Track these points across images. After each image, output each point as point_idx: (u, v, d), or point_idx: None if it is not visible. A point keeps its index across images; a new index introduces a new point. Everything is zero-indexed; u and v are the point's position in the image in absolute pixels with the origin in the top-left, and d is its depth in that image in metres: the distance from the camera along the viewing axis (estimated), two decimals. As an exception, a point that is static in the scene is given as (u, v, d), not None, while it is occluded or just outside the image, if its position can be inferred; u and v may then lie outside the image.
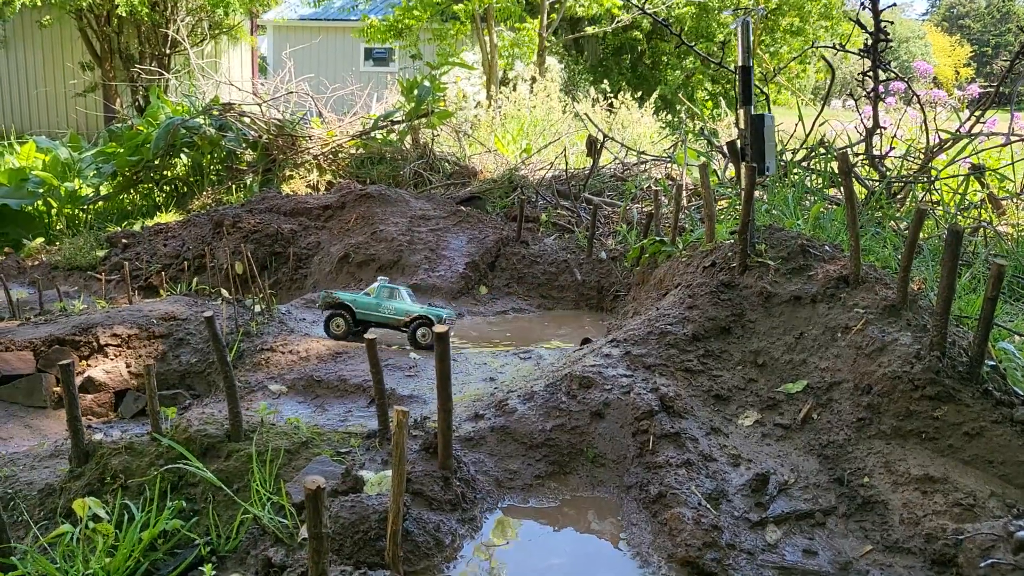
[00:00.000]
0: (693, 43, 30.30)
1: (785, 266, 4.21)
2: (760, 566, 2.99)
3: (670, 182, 8.03)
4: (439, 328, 3.03)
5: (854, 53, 7.80)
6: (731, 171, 8.04)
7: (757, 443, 3.63)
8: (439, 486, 3.14)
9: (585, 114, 12.81)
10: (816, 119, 7.34)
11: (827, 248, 4.36)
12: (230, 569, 3.07)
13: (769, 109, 8.86)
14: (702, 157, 7.17)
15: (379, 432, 3.50)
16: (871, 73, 7.35)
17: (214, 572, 3.03)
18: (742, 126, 4.27)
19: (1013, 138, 7.79)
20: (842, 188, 3.94)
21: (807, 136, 7.22)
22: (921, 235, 6.20)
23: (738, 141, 4.41)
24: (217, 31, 22.94)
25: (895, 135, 8.66)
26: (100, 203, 12.49)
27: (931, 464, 3.35)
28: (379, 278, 6.10)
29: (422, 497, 3.09)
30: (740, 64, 4.25)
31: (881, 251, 4.98)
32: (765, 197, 6.32)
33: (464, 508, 3.17)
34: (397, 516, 2.69)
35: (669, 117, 19.89)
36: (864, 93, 7.88)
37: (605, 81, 19.67)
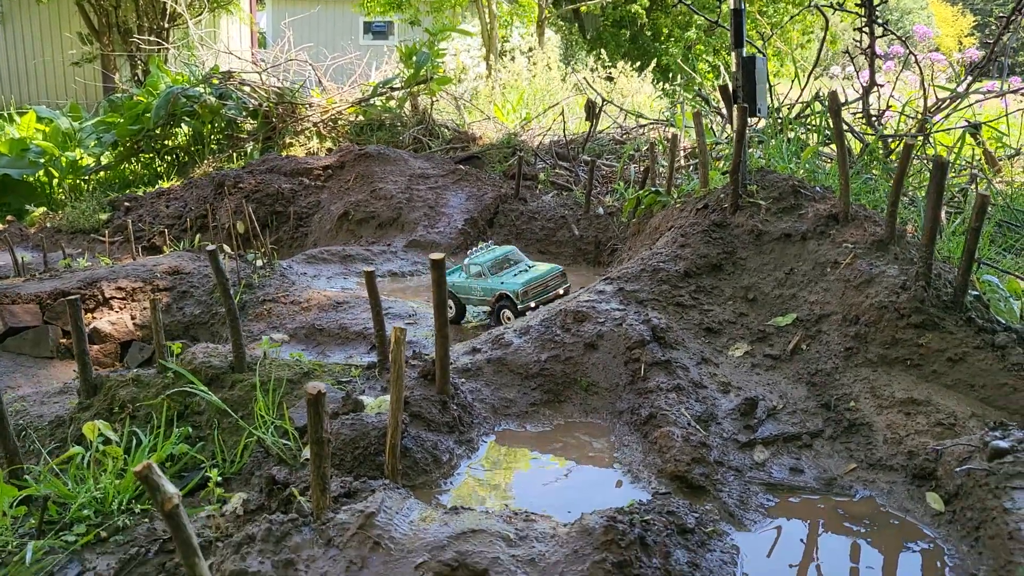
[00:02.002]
0: (692, 18, 30.20)
1: (776, 205, 4.29)
2: (747, 482, 3.10)
3: (667, 140, 8.05)
4: (434, 255, 3.12)
5: (850, 12, 7.82)
6: (729, 130, 8.09)
7: (747, 372, 3.72)
8: (437, 409, 3.24)
9: (584, 78, 12.81)
10: (811, 71, 7.38)
11: (818, 189, 4.43)
12: (235, 489, 3.18)
13: (768, 76, 8.90)
14: (699, 110, 7.21)
15: (379, 363, 3.60)
16: (867, 29, 7.38)
17: (219, 489, 3.15)
18: (734, 69, 4.34)
19: (1008, 93, 7.82)
20: (832, 131, 4.00)
21: (802, 90, 7.26)
22: (914, 185, 6.27)
23: (731, 85, 4.47)
24: (215, 5, 22.87)
25: (891, 96, 8.69)
26: (102, 173, 12.54)
27: (915, 388, 3.45)
28: (478, 248, 5.51)
29: (420, 419, 3.19)
30: (732, 7, 4.31)
31: (872, 196, 5.05)
32: (760, 152, 6.38)
33: (461, 431, 3.28)
34: (396, 430, 2.79)
35: (668, 87, 19.85)
36: (861, 51, 7.91)
37: (603, 52, 19.62)
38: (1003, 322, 3.59)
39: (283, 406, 3.35)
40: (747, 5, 25.22)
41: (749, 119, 4.36)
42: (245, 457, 3.27)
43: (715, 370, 3.69)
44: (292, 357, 3.74)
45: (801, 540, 2.86)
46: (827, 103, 3.92)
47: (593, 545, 2.30)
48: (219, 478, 2.95)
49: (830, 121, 6.91)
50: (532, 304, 4.85)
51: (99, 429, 3.12)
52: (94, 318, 5.75)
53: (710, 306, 4.04)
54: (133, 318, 5.73)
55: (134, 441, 3.27)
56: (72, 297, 3.48)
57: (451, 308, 5.21)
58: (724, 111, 8.40)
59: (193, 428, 3.43)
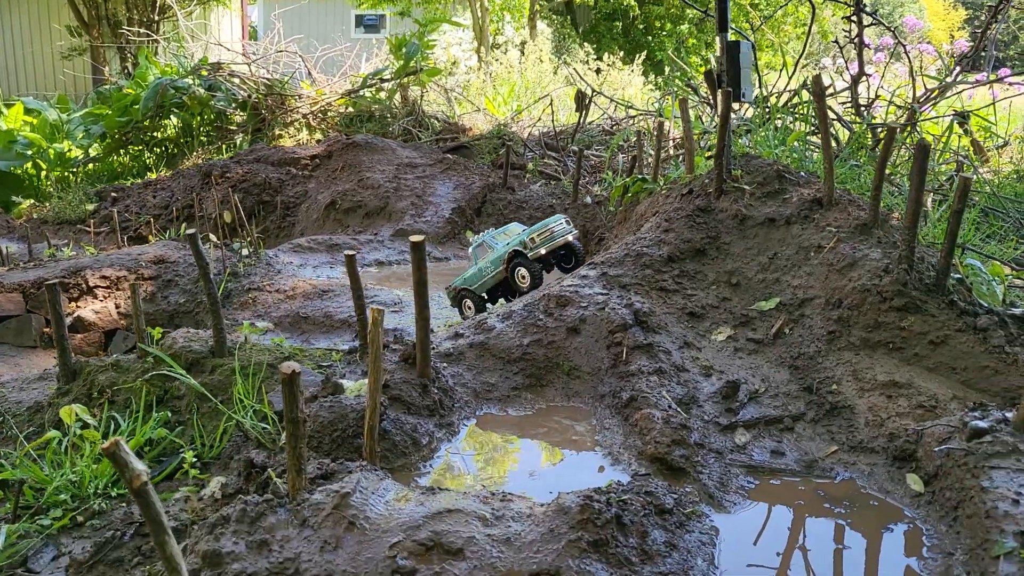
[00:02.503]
0: (684, 11, 30.18)
1: (760, 190, 4.28)
2: (728, 464, 3.09)
3: (655, 127, 8.04)
4: (414, 238, 3.10)
5: (838, 1, 7.81)
6: (717, 120, 8.07)
7: (729, 356, 3.72)
8: (417, 392, 3.23)
9: (574, 69, 12.79)
10: (799, 59, 7.37)
11: (803, 174, 4.42)
12: (215, 473, 3.16)
13: (756, 60, 8.90)
14: (686, 96, 7.18)
15: (359, 347, 3.58)
16: (855, 18, 7.37)
17: (194, 471, 3.14)
18: (719, 53, 4.32)
19: (996, 83, 7.83)
20: (817, 113, 3.99)
21: (790, 79, 7.26)
22: (901, 173, 6.27)
23: (714, 69, 4.46)
24: (206, -2, 22.75)
25: (880, 86, 8.69)
26: (90, 165, 12.49)
27: (897, 371, 3.44)
28: (472, 237, 5.37)
29: (400, 402, 3.17)
30: (717, -10, 4.30)
31: (858, 182, 5.05)
32: (748, 141, 6.37)
33: (442, 414, 3.27)
34: (374, 412, 2.78)
35: (659, 80, 19.85)
36: (849, 40, 7.90)
37: (592, 44, 19.59)
38: (985, 305, 3.59)
39: (263, 390, 3.33)
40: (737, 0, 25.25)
41: (734, 104, 4.34)
42: (224, 441, 3.26)
43: (697, 354, 3.68)
44: (273, 342, 3.72)
45: (781, 522, 2.85)
46: (811, 87, 3.91)
47: (569, 524, 2.29)
48: (194, 459, 2.93)
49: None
50: (543, 251, 4.69)
51: (76, 414, 3.10)
52: (78, 307, 5.72)
53: (693, 290, 4.03)
54: (118, 307, 5.70)
55: (112, 426, 3.25)
56: (51, 281, 3.45)
57: (470, 308, 5.02)
58: (711, 99, 8.40)
59: (173, 413, 3.42)
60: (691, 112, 8.08)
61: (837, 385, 3.47)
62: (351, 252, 3.45)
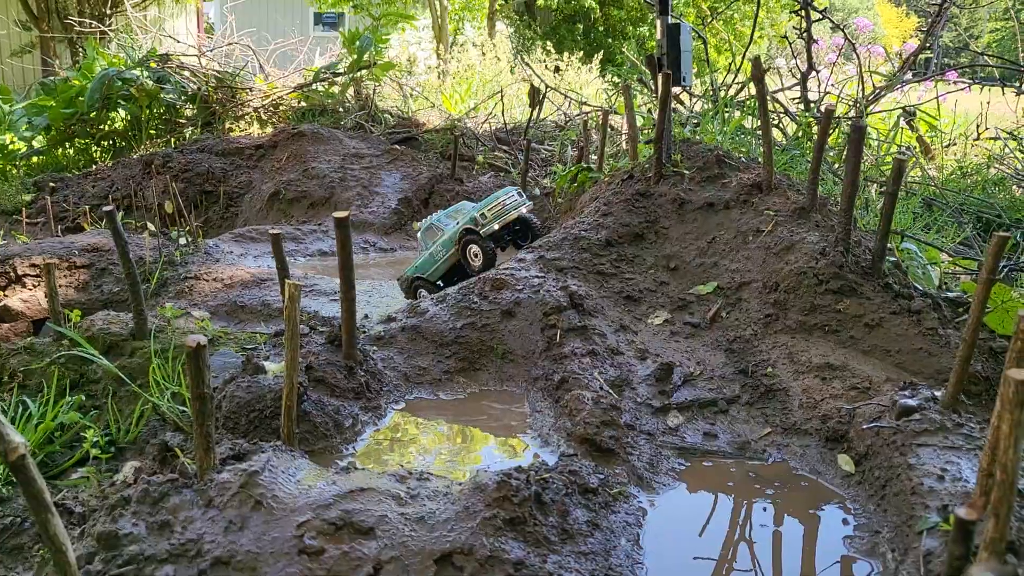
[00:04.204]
0: (646, 15, 30.32)
1: (700, 175, 4.24)
2: (659, 446, 3.03)
3: (602, 116, 8.00)
4: (338, 214, 3.00)
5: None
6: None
7: (665, 340, 3.67)
8: (342, 375, 3.13)
9: (527, 63, 12.74)
10: (747, 48, 7.39)
11: (743, 160, 4.40)
12: (130, 458, 3.03)
13: (707, 58, 8.92)
14: (629, 83, 7.16)
15: (284, 326, 3.46)
16: (803, 12, 7.41)
17: (111, 460, 3.01)
18: (659, 37, 4.28)
19: (939, 80, 7.93)
20: (756, 98, 3.96)
21: (737, 71, 7.27)
22: (841, 164, 6.30)
23: (655, 54, 4.42)
24: (160, -9, 22.34)
25: (830, 84, 8.76)
26: (34, 158, 12.14)
27: (832, 354, 3.42)
28: (419, 223, 5.10)
29: (324, 384, 3.07)
30: (657, -27, 4.26)
31: (800, 169, 5.05)
32: (697, 134, 6.36)
33: (368, 397, 3.17)
34: (292, 392, 2.67)
35: (616, 80, 19.88)
36: (798, 35, 7.94)
37: (549, 43, 19.58)
38: (920, 288, 3.58)
39: (181, 373, 3.21)
40: (694, 1, 25.42)
41: (678, 91, 4.30)
42: (141, 425, 3.13)
43: (633, 337, 3.62)
44: (197, 324, 3.59)
45: (711, 503, 2.80)
46: (751, 71, 3.88)
47: (485, 502, 2.21)
48: (95, 439, 2.80)
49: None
50: (496, 226, 4.47)
51: (-20, 396, 2.95)
52: (5, 296, 5.51)
53: (631, 274, 3.97)
54: (47, 296, 5.50)
55: (21, 409, 3.10)
56: (-40, 261, 3.30)
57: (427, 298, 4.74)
58: (646, 66, 8.38)
59: (88, 397, 3.27)
60: (644, 107, 8.07)
61: (772, 368, 3.43)
62: (275, 231, 3.34)
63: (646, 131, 7.92)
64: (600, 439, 2.89)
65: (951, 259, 4.33)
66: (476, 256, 4.47)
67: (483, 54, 16.82)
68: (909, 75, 8.52)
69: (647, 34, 31.00)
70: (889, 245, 3.63)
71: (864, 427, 2.74)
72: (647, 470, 2.86)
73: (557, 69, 16.89)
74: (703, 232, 4.08)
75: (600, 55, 18.35)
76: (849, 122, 7.22)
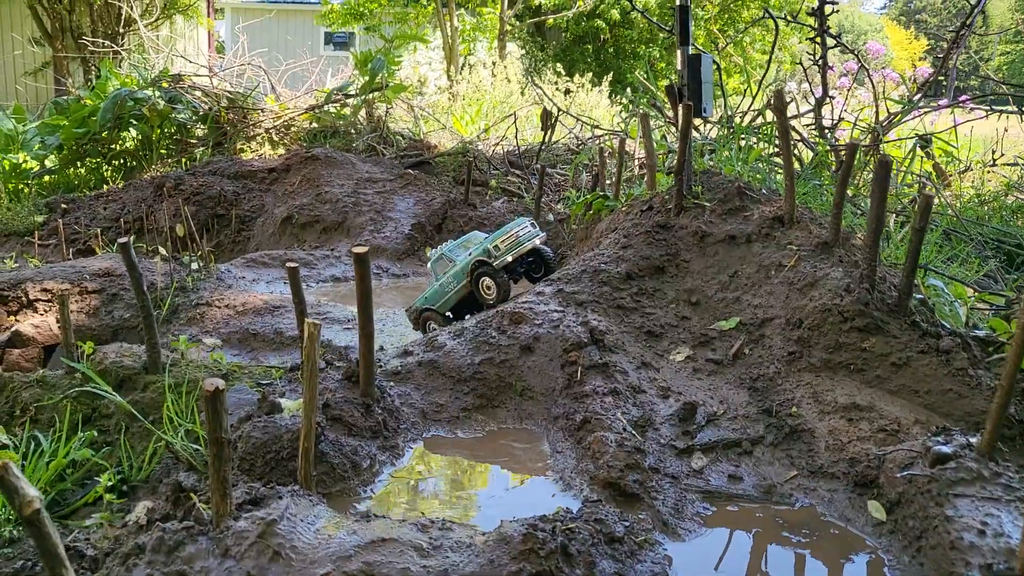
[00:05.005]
0: (656, 35, 30.42)
1: (721, 207, 4.18)
2: (684, 490, 2.96)
3: (618, 143, 7.96)
4: (357, 249, 2.95)
5: (802, 24, 7.82)
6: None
7: (688, 377, 3.60)
8: (359, 412, 3.07)
9: (540, 87, 12.73)
10: (763, 78, 7.35)
11: (764, 192, 4.34)
12: (142, 497, 2.97)
13: (721, 83, 8.88)
14: (647, 112, 7.10)
15: (301, 364, 3.40)
16: (818, 39, 7.37)
17: (123, 500, 2.94)
18: (680, 67, 4.24)
19: (958, 107, 7.87)
20: (776, 128, 3.91)
21: (753, 99, 7.22)
22: (864, 194, 6.23)
23: (675, 83, 4.38)
24: (172, 11, 22.49)
25: (844, 110, 8.72)
26: (46, 177, 12.16)
27: (858, 394, 3.34)
28: (430, 252, 4.99)
29: (341, 423, 3.01)
30: (679, 3, 4.22)
31: (820, 201, 4.98)
32: (712, 160, 6.31)
33: (386, 436, 3.10)
34: (309, 433, 2.61)
35: (625, 102, 19.88)
36: (813, 62, 7.90)
37: (559, 65, 19.62)
38: (948, 326, 3.51)
39: (195, 410, 3.15)
40: (705, 24, 25.47)
41: (696, 120, 4.26)
42: (153, 463, 3.07)
43: (655, 374, 3.55)
44: (212, 358, 3.54)
45: (738, 550, 2.72)
46: (773, 103, 3.83)
47: (511, 555, 2.14)
48: (109, 483, 2.74)
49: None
50: (510, 258, 4.35)
51: (-8, 433, 2.90)
52: (17, 321, 5.47)
53: (652, 309, 3.91)
54: (58, 321, 5.46)
55: (32, 445, 3.05)
56: (-27, 292, 3.25)
57: (435, 330, 4.34)
58: (666, 95, 8.34)
59: (100, 432, 3.22)
60: (657, 132, 8.02)
61: (797, 408, 3.36)
62: (293, 264, 3.29)
63: (660, 156, 7.88)
64: (624, 483, 2.82)
65: (976, 294, 4.26)
66: (489, 289, 4.35)
67: (493, 75, 16.83)
68: (922, 101, 8.46)
69: (657, 55, 31.08)
70: (915, 280, 3.56)
71: (898, 475, 2.66)
72: (672, 515, 2.79)
73: (567, 91, 16.91)
74: (725, 266, 4.01)
75: (610, 76, 18.36)
76: (864, 149, 7.17)
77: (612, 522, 2.46)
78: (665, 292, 3.99)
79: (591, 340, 3.52)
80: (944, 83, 8.90)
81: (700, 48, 6.47)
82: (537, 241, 4.48)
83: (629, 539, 2.48)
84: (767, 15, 7.28)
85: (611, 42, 31.58)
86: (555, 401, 3.41)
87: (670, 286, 4.02)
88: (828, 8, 6.98)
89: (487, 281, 4.35)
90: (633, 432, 3.08)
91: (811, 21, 7.56)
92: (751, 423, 3.34)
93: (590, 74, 19.15)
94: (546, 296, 3.88)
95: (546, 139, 10.05)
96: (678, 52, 4.23)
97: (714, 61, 5.58)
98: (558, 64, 25.17)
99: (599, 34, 30.97)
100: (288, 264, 3.29)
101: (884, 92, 8.48)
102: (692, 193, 4.24)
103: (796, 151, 7.32)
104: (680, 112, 4.17)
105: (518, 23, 26.89)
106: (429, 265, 4.86)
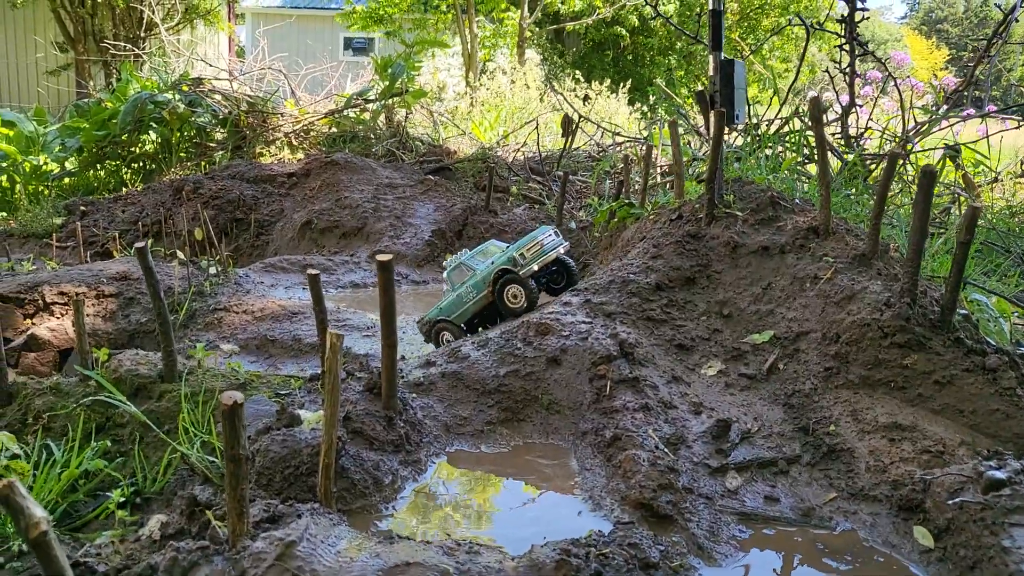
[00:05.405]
0: (674, 43, 30.30)
1: (753, 217, 4.06)
2: (719, 511, 2.83)
3: (644, 150, 7.83)
4: (381, 256, 2.85)
5: (829, 32, 7.67)
6: (704, 145, 7.90)
7: (720, 392, 3.47)
8: (381, 426, 2.96)
9: (561, 94, 12.63)
10: (791, 85, 7.21)
11: (797, 201, 4.21)
12: (156, 510, 2.87)
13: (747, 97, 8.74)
14: (675, 119, 6.95)
15: (322, 374, 3.30)
16: (847, 47, 7.22)
17: (136, 516, 2.85)
18: (711, 72, 4.12)
19: (988, 116, 7.71)
20: (813, 137, 3.78)
21: (781, 107, 7.08)
22: (893, 204, 6.08)
23: (707, 90, 4.25)
24: (193, 15, 22.57)
25: (868, 120, 8.56)
26: (66, 179, 12.16)
27: (899, 413, 3.20)
28: (446, 263, 4.82)
29: (362, 436, 2.90)
30: (711, 7, 4.10)
31: (851, 212, 4.84)
32: (739, 166, 6.18)
33: (408, 450, 2.99)
34: (330, 448, 2.50)
35: (645, 109, 19.75)
36: (840, 70, 7.76)
37: (577, 72, 19.53)
38: (993, 343, 3.36)
39: (211, 421, 3.05)
40: (726, 32, 25.31)
41: (727, 127, 4.14)
42: (168, 475, 2.97)
43: (686, 389, 3.42)
44: (228, 367, 3.44)
45: (776, 577, 2.59)
46: (808, 109, 3.70)
47: (543, 582, 2.02)
48: (122, 498, 2.64)
49: (809, 136, 6.75)
50: (536, 267, 4.18)
51: (2, 442, 2.81)
52: (33, 324, 5.41)
53: (683, 321, 3.78)
54: (75, 331, 5.39)
55: (44, 455, 2.96)
56: (-13, 296, 3.17)
57: (450, 343, 4.21)
58: (702, 128, 8.21)
59: (114, 442, 3.12)
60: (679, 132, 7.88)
61: (835, 426, 3.22)
62: (314, 272, 3.19)
63: (686, 163, 7.75)
64: (657, 504, 2.69)
65: (1019, 308, 4.11)
66: (516, 298, 4.18)
67: (512, 82, 16.76)
68: (943, 109, 8.29)
69: (675, 63, 30.97)
70: (958, 295, 3.42)
71: (948, 502, 2.53)
72: (707, 538, 2.66)
73: (586, 98, 16.81)
74: (758, 278, 3.88)
75: (628, 84, 18.24)
76: (890, 158, 7.01)
77: (647, 547, 2.34)
78: (696, 304, 3.87)
79: (620, 353, 3.40)
80: (966, 94, 8.74)
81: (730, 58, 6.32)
82: (561, 250, 4.33)
83: (664, 564, 2.36)
84: (798, 21, 7.08)
85: (630, 49, 31.48)
86: (583, 416, 3.29)
87: (701, 298, 3.89)
88: (858, 15, 6.84)
89: (513, 290, 4.18)
90: (665, 450, 2.95)
91: (837, 28, 7.42)
92: (787, 441, 3.21)
93: (608, 80, 19.07)
94: (573, 307, 3.77)
95: (567, 146, 9.94)
96: (710, 58, 4.11)
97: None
98: (576, 71, 25.10)
99: (618, 41, 30.89)
100: (309, 271, 3.19)
101: (911, 101, 8.33)
102: (723, 202, 4.11)
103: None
104: (711, 119, 4.05)
105: (537, 29, 26.84)
106: (445, 274, 4.69)
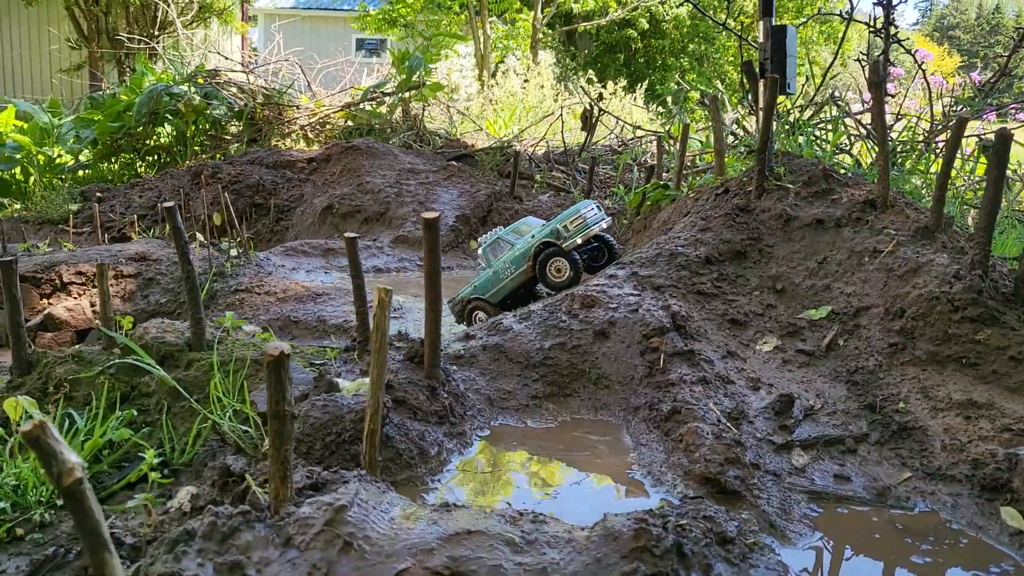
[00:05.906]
0: (686, 46, 30.13)
1: (806, 190, 3.87)
2: (788, 489, 2.64)
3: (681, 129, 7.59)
4: (428, 214, 2.67)
5: (862, 22, 7.50)
6: (737, 127, 7.72)
7: (777, 369, 3.27)
8: (425, 396, 2.77)
9: (581, 87, 12.46)
10: (829, 68, 7.02)
11: (849, 175, 4.02)
12: (185, 482, 2.69)
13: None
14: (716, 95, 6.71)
15: (358, 344, 3.13)
16: (881, 33, 7.03)
17: (165, 482, 2.67)
18: (761, 39, 3.94)
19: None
20: (872, 103, 3.60)
21: (816, 90, 6.90)
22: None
23: (755, 61, 4.07)
24: (207, 14, 22.49)
25: (896, 113, 8.37)
26: (80, 171, 12.02)
27: (974, 390, 3.01)
28: (481, 238, 4.67)
29: (405, 406, 2.72)
30: (762, -29, 3.93)
31: (904, 187, 4.65)
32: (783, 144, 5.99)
33: (452, 422, 2.81)
34: (376, 412, 2.32)
35: (660, 110, 19.59)
36: (875, 57, 7.57)
37: (591, 71, 19.39)
38: (1070, 319, 3.17)
39: (245, 388, 2.87)
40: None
41: (781, 95, 3.95)
42: (198, 445, 2.79)
43: (742, 364, 3.23)
44: (259, 336, 3.26)
45: (856, 560, 2.39)
46: (868, 76, 3.52)
47: (621, 553, 1.83)
48: (155, 461, 2.46)
49: (845, 121, 6.56)
50: (579, 240, 4.00)
51: (23, 408, 2.63)
52: (50, 304, 5.25)
53: (734, 296, 3.59)
54: (92, 305, 5.23)
55: (67, 423, 2.78)
56: (6, 259, 3.00)
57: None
58: (742, 102, 7.99)
59: (140, 412, 2.94)
60: (702, 132, 7.71)
61: (904, 404, 3.02)
62: (352, 235, 3.02)
63: (707, 156, 7.57)
64: (724, 479, 2.50)
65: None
66: (559, 272, 3.99)
67: (526, 81, 16.62)
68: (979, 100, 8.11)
69: (687, 65, 30.81)
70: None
71: (1048, 476, 2.33)
72: (779, 516, 2.47)
73: (600, 97, 16.65)
74: (812, 252, 3.69)
75: (645, 82, 18.09)
76: (958, 123, 6.82)
77: (723, 520, 2.15)
78: (748, 278, 3.68)
79: (673, 325, 3.21)
80: (1000, 86, 8.56)
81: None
82: (604, 225, 4.13)
83: (740, 540, 2.16)
84: (838, 14, 6.89)
85: (641, 52, 31.35)
86: (634, 390, 3.10)
87: (753, 272, 3.70)
88: (895, -1, 6.66)
89: (557, 263, 3.99)
90: (728, 424, 2.76)
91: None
92: (852, 419, 3.02)
93: (623, 79, 18.91)
94: (619, 279, 3.58)
95: (587, 139, 9.76)
96: (759, 24, 3.93)
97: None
98: (590, 71, 24.95)
99: (630, 43, 30.75)
100: (346, 235, 3.01)
101: (940, 95, 8.15)
102: (774, 175, 3.92)
103: (855, 151, 6.98)
104: (761, 88, 3.87)
105: (550, 31, 26.72)
106: (480, 251, 4.51)
